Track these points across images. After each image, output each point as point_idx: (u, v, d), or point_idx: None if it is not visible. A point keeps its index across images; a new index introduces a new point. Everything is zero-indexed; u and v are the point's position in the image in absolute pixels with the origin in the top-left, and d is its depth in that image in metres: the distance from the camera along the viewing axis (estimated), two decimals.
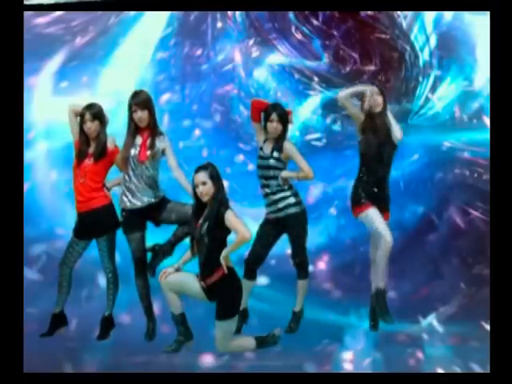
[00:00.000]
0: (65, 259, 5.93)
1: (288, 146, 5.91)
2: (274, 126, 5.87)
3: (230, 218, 5.16)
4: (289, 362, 5.30)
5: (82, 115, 5.81)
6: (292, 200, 5.95)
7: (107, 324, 5.96)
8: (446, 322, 6.22)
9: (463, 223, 7.88)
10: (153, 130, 5.80)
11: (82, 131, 5.83)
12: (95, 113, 5.82)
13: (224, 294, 5.25)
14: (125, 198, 5.84)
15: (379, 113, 5.92)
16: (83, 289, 6.73)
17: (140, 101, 5.77)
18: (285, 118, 5.92)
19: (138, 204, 5.81)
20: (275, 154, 5.91)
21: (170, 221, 5.88)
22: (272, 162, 5.92)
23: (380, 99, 5.91)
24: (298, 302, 6.07)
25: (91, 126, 5.79)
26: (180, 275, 5.40)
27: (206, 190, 5.21)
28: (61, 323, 5.98)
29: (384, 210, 5.93)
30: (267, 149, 5.96)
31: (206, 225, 5.20)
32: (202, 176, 5.22)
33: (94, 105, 5.87)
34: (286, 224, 5.95)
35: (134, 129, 5.80)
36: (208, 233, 5.20)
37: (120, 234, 5.98)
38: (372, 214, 5.83)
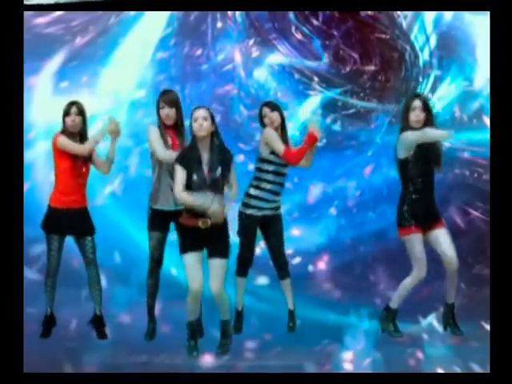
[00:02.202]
0: (48, 269, 5.92)
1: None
2: (274, 117, 5.90)
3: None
4: (289, 362, 5.29)
5: (67, 109, 5.84)
6: (281, 202, 6.00)
7: (100, 323, 5.96)
8: None
9: (463, 223, 7.88)
10: (180, 128, 5.82)
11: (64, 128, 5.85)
12: (81, 108, 5.85)
13: (226, 235, 5.37)
14: (156, 198, 5.84)
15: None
16: (83, 289, 6.73)
17: (168, 98, 5.79)
18: (279, 108, 5.94)
19: (166, 208, 5.82)
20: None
21: None
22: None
23: (422, 115, 5.69)
24: (290, 301, 6.08)
25: (75, 119, 5.80)
26: (197, 269, 5.32)
27: (206, 125, 5.23)
28: (53, 324, 6.00)
29: (437, 221, 5.87)
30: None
31: (220, 169, 5.25)
32: (204, 112, 5.27)
33: (79, 102, 5.92)
34: (272, 224, 5.97)
35: (163, 128, 5.81)
36: (220, 180, 5.26)
37: (114, 236, 6.00)
38: (413, 241, 5.76)
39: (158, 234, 5.84)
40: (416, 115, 5.69)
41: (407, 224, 5.78)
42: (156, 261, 5.89)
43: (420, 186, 5.82)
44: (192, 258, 5.30)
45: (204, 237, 5.29)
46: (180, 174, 5.27)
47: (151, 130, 5.78)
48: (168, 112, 5.75)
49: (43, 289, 5.96)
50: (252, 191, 5.98)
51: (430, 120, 5.74)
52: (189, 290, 5.32)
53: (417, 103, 5.72)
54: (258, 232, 6.08)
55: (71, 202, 5.85)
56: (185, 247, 5.33)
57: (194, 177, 5.25)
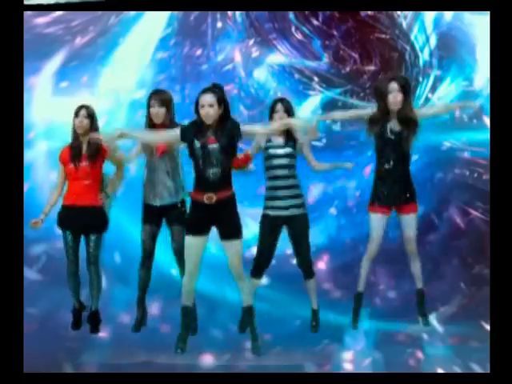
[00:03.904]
0: (67, 268, 5.98)
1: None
2: (280, 115, 5.89)
3: (245, 128, 5.32)
4: (289, 362, 5.30)
5: (76, 111, 5.90)
6: (303, 200, 5.97)
7: (96, 318, 6.02)
8: (446, 321, 6.22)
9: (463, 223, 7.88)
10: (168, 127, 5.83)
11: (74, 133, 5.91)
12: (90, 112, 5.90)
13: (235, 213, 5.36)
14: (145, 194, 5.91)
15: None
16: (83, 289, 6.73)
17: (159, 97, 5.83)
18: (291, 109, 5.93)
19: (157, 203, 5.84)
20: (289, 149, 5.91)
21: (172, 243, 5.89)
22: (288, 150, 5.92)
23: (400, 96, 5.80)
24: (314, 301, 6.04)
25: (83, 121, 5.84)
26: (195, 254, 5.37)
27: (213, 112, 5.23)
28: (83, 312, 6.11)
29: (409, 205, 5.91)
30: (278, 139, 5.94)
31: (225, 142, 5.25)
32: (210, 98, 5.24)
33: (89, 106, 5.97)
34: (294, 224, 5.91)
35: (150, 126, 5.83)
36: (226, 150, 5.25)
37: (114, 236, 6.02)
38: (373, 219, 5.91)
39: (149, 227, 5.90)
40: (393, 96, 5.80)
41: (372, 201, 5.93)
42: (146, 252, 5.94)
43: (389, 166, 5.87)
44: (193, 242, 5.33)
45: (211, 215, 5.29)
46: (171, 132, 5.39)
47: None
48: (158, 111, 5.79)
49: (41, 287, 6.00)
50: (265, 192, 5.97)
51: (407, 101, 5.83)
52: (185, 271, 5.40)
53: (393, 85, 5.81)
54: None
55: (76, 200, 5.91)
56: (189, 228, 5.36)
57: (196, 146, 5.26)
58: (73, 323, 6.04)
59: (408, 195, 5.91)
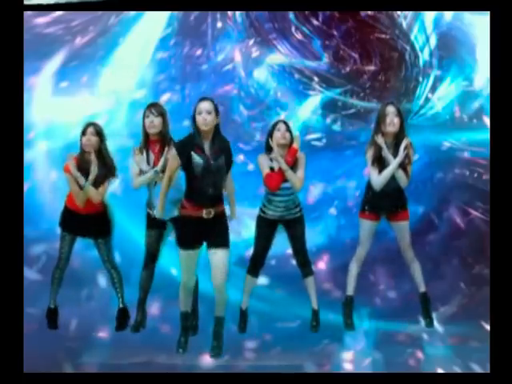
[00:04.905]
0: (58, 262, 5.99)
1: (300, 155, 5.96)
2: (282, 133, 5.91)
3: None
4: (289, 362, 5.30)
5: (83, 129, 5.91)
6: (299, 202, 6.00)
7: (123, 315, 6.06)
8: (446, 321, 6.22)
9: (463, 223, 7.88)
10: (165, 138, 5.82)
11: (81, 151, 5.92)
12: (97, 130, 5.91)
13: (225, 224, 5.37)
14: (148, 204, 5.92)
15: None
16: (83, 289, 6.74)
17: (155, 108, 5.83)
18: (291, 132, 5.97)
19: (156, 215, 5.85)
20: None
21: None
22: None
23: (396, 119, 5.94)
24: (313, 300, 6.08)
25: (90, 139, 5.84)
26: (191, 268, 5.40)
27: (210, 119, 5.24)
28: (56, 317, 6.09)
29: (401, 213, 6.07)
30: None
31: (224, 157, 5.27)
32: (209, 105, 5.27)
33: (97, 123, 6.00)
34: (292, 225, 5.98)
35: (145, 137, 5.82)
36: (226, 166, 5.29)
37: (115, 236, 6.03)
38: (363, 225, 6.10)
39: (154, 231, 5.91)
40: (390, 119, 5.93)
41: (362, 209, 6.10)
42: (150, 255, 5.96)
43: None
44: (188, 257, 5.34)
45: (204, 229, 5.28)
46: (172, 162, 5.27)
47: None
48: (153, 119, 5.78)
49: (41, 287, 6.00)
50: (264, 193, 6.03)
51: (402, 125, 5.97)
52: (180, 282, 5.44)
53: (390, 109, 5.97)
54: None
55: (78, 207, 5.91)
56: (183, 243, 5.33)
57: (196, 160, 5.21)
58: (48, 324, 6.06)
59: (399, 204, 6.07)
